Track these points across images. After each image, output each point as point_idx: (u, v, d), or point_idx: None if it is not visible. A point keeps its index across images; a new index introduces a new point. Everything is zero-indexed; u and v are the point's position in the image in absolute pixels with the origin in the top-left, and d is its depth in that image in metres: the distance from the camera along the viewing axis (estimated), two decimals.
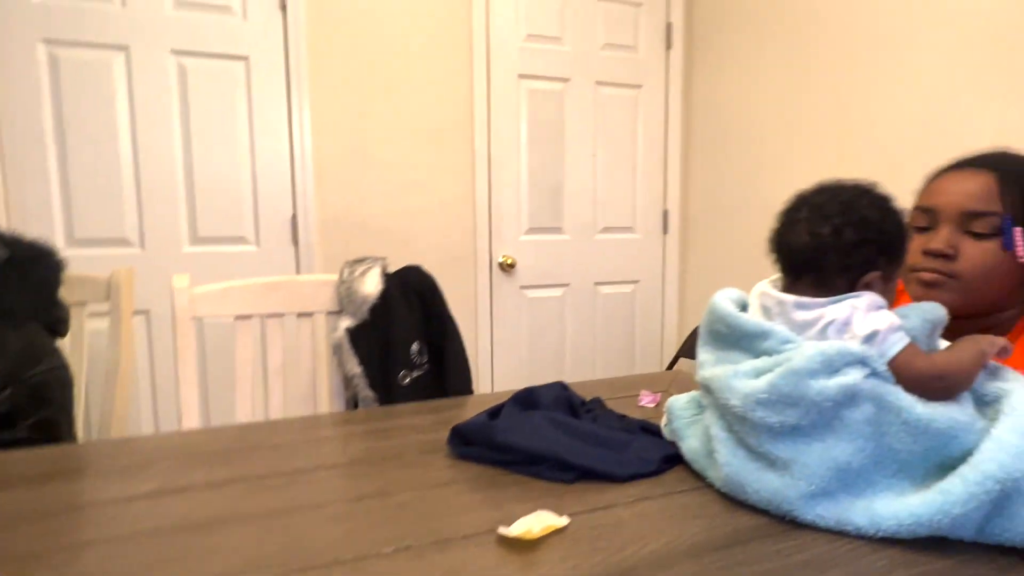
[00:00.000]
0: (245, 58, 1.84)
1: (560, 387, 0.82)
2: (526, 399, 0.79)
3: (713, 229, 2.32)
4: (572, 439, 0.70)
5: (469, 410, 0.88)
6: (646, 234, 2.47)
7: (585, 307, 2.40)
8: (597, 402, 0.87)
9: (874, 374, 0.55)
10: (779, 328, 0.60)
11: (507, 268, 2.24)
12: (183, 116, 1.79)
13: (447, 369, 1.07)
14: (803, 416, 0.55)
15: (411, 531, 0.56)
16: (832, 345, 0.55)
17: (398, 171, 2.06)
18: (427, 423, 0.89)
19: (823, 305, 0.59)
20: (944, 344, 0.62)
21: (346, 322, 1.05)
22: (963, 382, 0.55)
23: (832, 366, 0.55)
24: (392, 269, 1.15)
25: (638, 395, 1.02)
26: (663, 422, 0.76)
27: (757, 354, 0.61)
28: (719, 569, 0.49)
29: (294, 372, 1.09)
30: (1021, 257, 0.70)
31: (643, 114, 2.40)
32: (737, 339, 0.63)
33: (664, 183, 2.47)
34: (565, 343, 2.38)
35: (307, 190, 1.91)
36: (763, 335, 0.60)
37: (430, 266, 2.15)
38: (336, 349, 1.05)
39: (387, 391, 1.06)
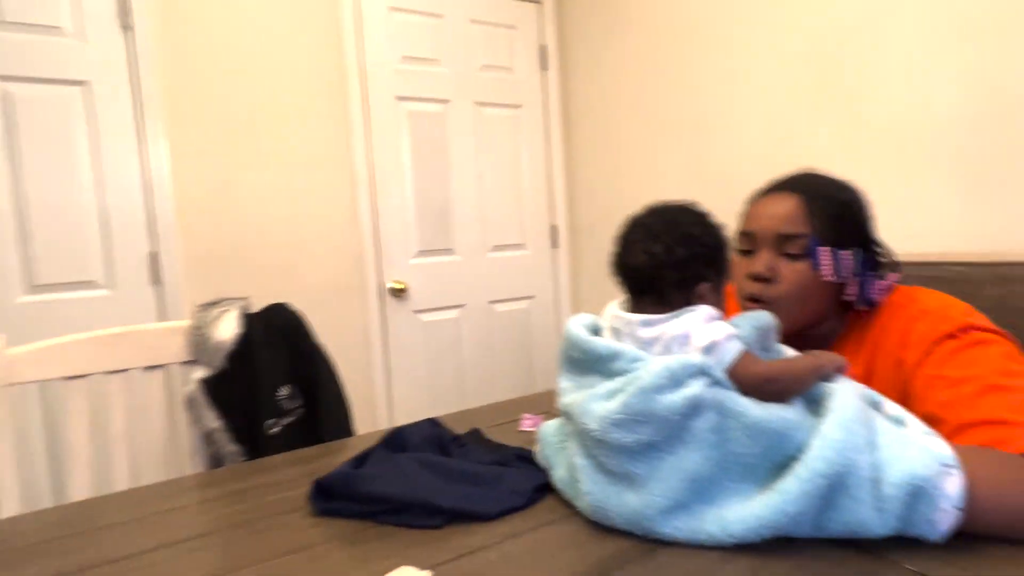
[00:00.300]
0: (83, 83, 1.66)
1: (430, 424, 0.79)
2: (394, 441, 0.75)
3: (601, 240, 2.40)
4: (441, 480, 0.67)
5: (343, 455, 0.82)
6: (536, 250, 2.50)
7: (481, 327, 2.39)
8: (473, 434, 0.84)
9: (715, 383, 0.57)
10: (628, 348, 0.61)
11: (399, 293, 2.18)
12: (9, 148, 1.58)
13: (321, 412, 1.00)
14: (656, 432, 0.56)
15: None
16: (676, 359, 0.57)
17: (272, 200, 1.94)
18: (293, 476, 0.82)
19: (665, 321, 0.61)
20: (789, 351, 0.66)
21: (199, 372, 0.95)
22: (795, 386, 0.58)
23: (677, 379, 0.56)
24: (271, 303, 1.06)
25: (519, 419, 1.01)
26: (536, 448, 0.75)
27: (611, 376, 0.61)
28: None
29: (145, 434, 0.98)
30: (826, 276, 0.74)
31: (525, 133, 2.45)
32: (592, 363, 0.63)
33: (550, 199, 2.53)
34: (464, 365, 2.35)
35: (167, 224, 1.75)
36: (614, 356, 0.61)
37: (316, 298, 2.07)
38: (190, 404, 0.95)
39: (255, 443, 0.97)
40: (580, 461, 0.61)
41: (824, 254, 0.74)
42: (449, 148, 2.27)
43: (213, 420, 0.95)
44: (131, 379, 0.99)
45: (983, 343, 0.68)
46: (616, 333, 0.65)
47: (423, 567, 0.55)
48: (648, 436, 0.56)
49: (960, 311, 0.72)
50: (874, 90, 1.43)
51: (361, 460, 0.72)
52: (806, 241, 0.75)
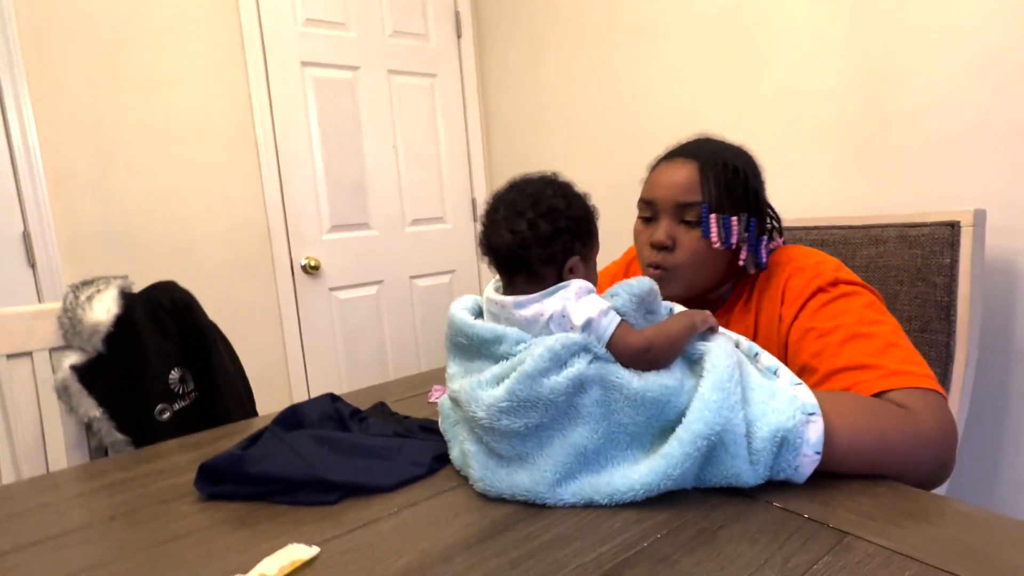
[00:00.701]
0: None
1: (328, 399, 0.77)
2: (289, 419, 0.72)
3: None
4: (337, 455, 0.66)
5: (241, 438, 0.78)
6: (456, 223, 2.48)
7: (402, 303, 2.35)
8: (377, 408, 0.83)
9: (597, 358, 0.57)
10: (511, 331, 0.60)
11: (311, 271, 2.09)
12: None
13: (217, 394, 0.94)
14: (543, 415, 0.56)
15: None
16: (557, 339, 0.57)
17: (164, 173, 1.79)
18: (184, 463, 0.77)
19: (539, 300, 0.60)
20: (678, 308, 0.67)
21: (72, 358, 0.87)
22: (670, 351, 0.59)
23: (560, 359, 0.56)
24: (155, 282, 0.98)
25: (430, 391, 1.00)
26: (439, 419, 0.74)
27: (496, 359, 0.60)
28: (468, 568, 0.48)
29: (15, 428, 0.89)
30: (715, 244, 0.77)
31: (441, 103, 2.39)
32: (477, 347, 0.62)
33: (469, 171, 2.49)
34: (384, 342, 2.31)
35: (40, 201, 1.58)
36: (498, 340, 0.60)
37: (220, 276, 1.95)
38: (62, 392, 0.87)
39: (144, 431, 0.90)
40: (470, 447, 0.61)
41: (713, 222, 0.77)
42: (361, 118, 2.18)
43: (93, 408, 0.87)
44: None
45: (848, 295, 0.73)
46: (494, 317, 0.63)
47: (313, 543, 0.53)
48: (536, 419, 0.56)
49: (831, 267, 0.77)
50: (768, 65, 1.49)
51: (252, 441, 0.69)
52: (700, 208, 0.77)
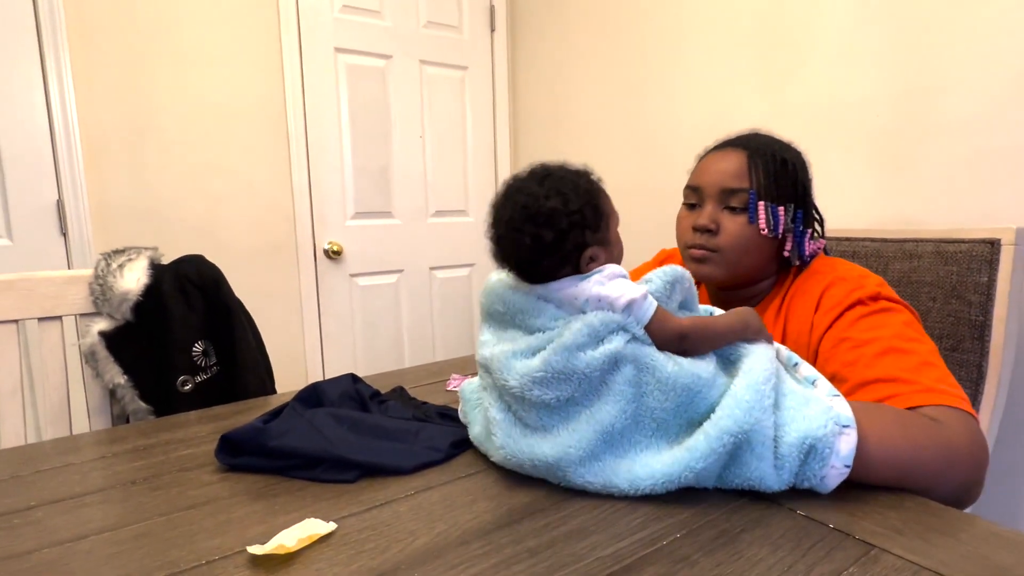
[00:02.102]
0: None
1: (350, 380, 0.77)
2: (310, 396, 0.73)
3: None
4: (356, 435, 0.66)
5: (259, 413, 0.79)
6: (479, 217, 2.47)
7: (421, 293, 2.35)
8: (396, 391, 0.83)
9: (634, 339, 0.58)
10: (550, 305, 0.61)
11: (334, 256, 2.11)
12: None
13: (239, 369, 0.95)
14: (576, 388, 0.56)
15: (139, 567, 0.48)
16: (596, 316, 0.57)
17: (195, 151, 1.82)
18: (204, 433, 0.78)
19: (574, 284, 0.60)
20: (717, 311, 0.67)
21: (101, 324, 0.88)
22: (707, 342, 0.60)
23: (598, 336, 0.57)
24: (185, 255, 0.99)
25: (448, 380, 1.00)
26: (460, 406, 0.74)
27: (532, 331, 0.61)
28: (484, 554, 0.48)
29: (40, 390, 0.91)
30: (763, 230, 0.77)
31: (470, 96, 2.39)
32: (513, 316, 0.62)
33: (495, 166, 2.49)
34: (402, 331, 2.32)
35: (75, 171, 1.61)
36: (535, 311, 0.61)
37: (243, 256, 1.97)
38: (89, 357, 0.88)
39: (166, 401, 0.92)
40: (496, 415, 0.61)
41: (761, 208, 0.76)
42: (391, 106, 2.19)
43: (118, 375, 0.89)
44: (26, 331, 0.91)
45: (888, 310, 0.72)
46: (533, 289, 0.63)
47: (330, 519, 0.54)
48: (569, 392, 0.56)
49: (874, 281, 0.75)
50: (803, 70, 1.47)
51: (273, 415, 0.69)
52: (747, 195, 0.76)
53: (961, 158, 1.21)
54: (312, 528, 0.51)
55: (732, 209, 0.79)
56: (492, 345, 0.63)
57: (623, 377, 0.57)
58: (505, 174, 2.50)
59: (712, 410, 0.55)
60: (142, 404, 0.90)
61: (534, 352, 0.59)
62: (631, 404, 0.57)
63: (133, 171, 1.72)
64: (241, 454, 0.65)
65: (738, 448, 0.54)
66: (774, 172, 0.77)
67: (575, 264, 0.61)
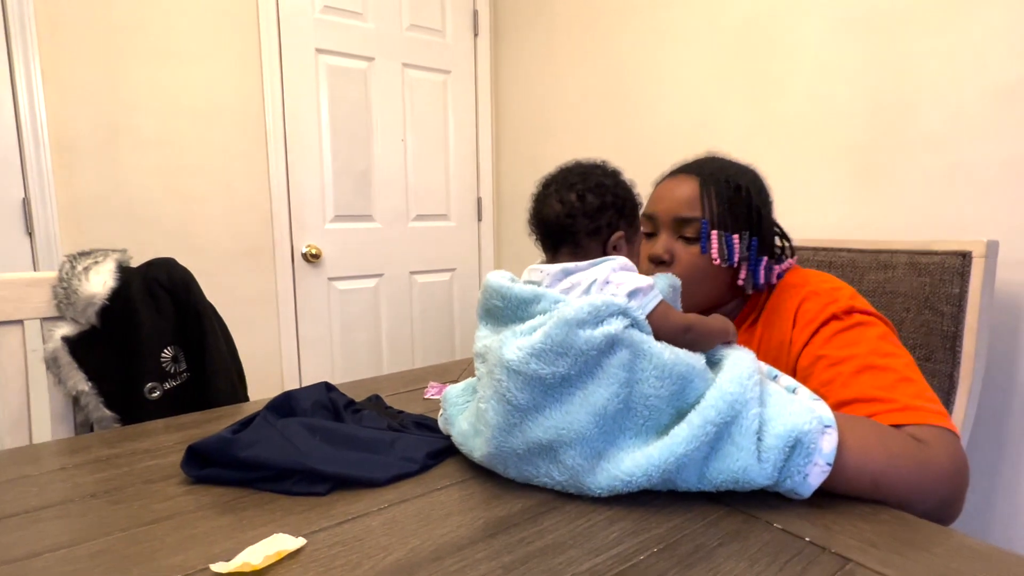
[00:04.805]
0: None
1: (323, 388, 0.75)
2: (282, 405, 0.71)
3: (525, 216, 2.39)
4: (329, 446, 0.64)
5: (229, 421, 0.77)
6: (461, 222, 2.46)
7: (401, 297, 2.33)
8: (372, 400, 0.81)
9: (633, 325, 0.58)
10: (550, 291, 0.61)
11: (312, 259, 2.08)
12: None
13: (209, 375, 0.93)
14: (572, 366, 0.56)
15: None
16: (599, 297, 0.58)
17: (171, 150, 1.78)
18: (171, 443, 0.76)
19: (584, 269, 0.62)
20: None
21: (64, 329, 0.85)
22: (706, 338, 0.62)
23: (599, 316, 0.57)
24: (154, 257, 0.96)
25: (426, 387, 0.98)
26: (440, 413, 0.73)
27: (533, 316, 0.61)
28: (458, 570, 0.47)
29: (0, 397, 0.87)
30: (715, 260, 0.76)
31: (453, 101, 2.38)
32: (513, 309, 0.62)
33: (477, 171, 2.48)
34: (381, 336, 2.29)
35: (43, 168, 1.56)
36: (536, 299, 0.61)
37: (218, 258, 1.93)
38: (51, 363, 0.85)
39: (133, 409, 0.88)
40: (487, 404, 0.59)
41: (714, 238, 0.76)
42: (372, 109, 2.17)
43: (82, 382, 0.86)
44: None
45: (863, 324, 0.72)
46: (535, 285, 0.64)
47: (300, 534, 0.52)
48: (564, 369, 0.56)
49: (846, 294, 0.75)
50: (784, 83, 1.48)
51: (243, 425, 0.67)
52: (700, 224, 0.76)
53: (935, 171, 1.23)
54: (279, 544, 0.49)
55: (686, 239, 0.78)
56: (490, 338, 0.62)
57: (618, 360, 0.56)
58: (487, 179, 2.50)
59: (699, 401, 0.56)
60: (107, 412, 0.87)
61: (534, 329, 0.59)
62: (624, 388, 0.57)
63: (106, 170, 1.68)
64: (208, 465, 0.63)
65: (719, 439, 0.54)
66: (728, 199, 0.76)
67: (602, 242, 0.65)
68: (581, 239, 0.65)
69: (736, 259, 0.76)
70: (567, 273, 0.63)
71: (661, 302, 0.61)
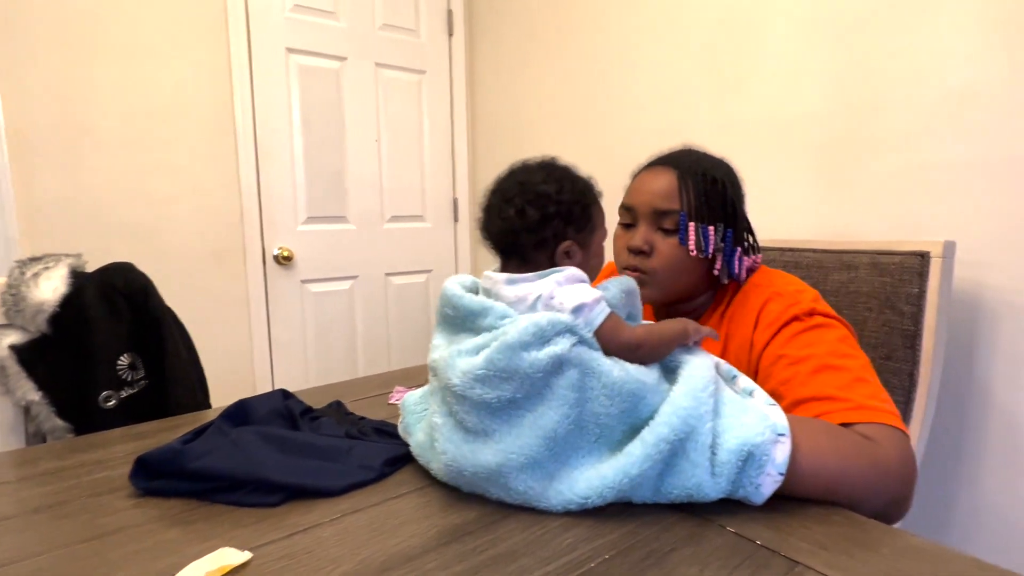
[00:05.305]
0: None
1: (280, 395, 0.74)
2: (236, 414, 0.69)
3: None
4: (283, 455, 0.63)
5: (188, 429, 0.75)
6: (436, 222, 2.45)
7: (376, 299, 2.31)
8: (332, 407, 0.80)
9: (581, 342, 0.57)
10: (497, 305, 0.60)
11: (284, 261, 2.05)
12: None
13: (168, 383, 0.91)
14: (518, 389, 0.55)
15: None
16: (544, 316, 0.56)
17: (136, 151, 1.74)
18: (124, 454, 0.74)
19: (529, 281, 0.60)
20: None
21: (12, 337, 0.82)
22: (659, 351, 0.60)
23: (544, 336, 0.55)
24: (110, 262, 0.93)
25: (391, 392, 0.97)
26: (399, 419, 0.72)
27: (479, 332, 0.60)
28: None
29: None
30: (692, 252, 0.77)
31: (427, 101, 2.36)
32: (463, 319, 0.62)
33: (452, 171, 2.47)
34: (356, 338, 2.27)
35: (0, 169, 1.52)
36: (483, 312, 0.60)
37: (187, 261, 1.89)
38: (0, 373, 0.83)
39: (88, 418, 0.86)
40: (439, 420, 0.59)
41: (691, 230, 0.76)
42: (344, 110, 2.15)
43: (31, 392, 0.83)
44: None
45: (823, 326, 0.73)
46: (486, 293, 0.64)
47: (249, 547, 0.51)
48: (510, 393, 0.55)
49: (809, 297, 0.76)
50: (750, 84, 1.50)
51: (196, 434, 0.66)
52: (678, 217, 0.77)
53: (896, 172, 1.25)
54: (224, 559, 0.48)
55: (664, 230, 0.79)
56: (441, 348, 0.62)
57: (567, 381, 0.56)
58: (463, 179, 2.48)
59: (653, 416, 0.55)
60: (59, 422, 0.85)
61: (479, 350, 0.57)
62: (574, 409, 0.56)
63: (68, 171, 1.64)
64: (158, 477, 0.61)
65: (674, 455, 0.54)
66: (704, 192, 0.77)
67: (551, 253, 0.62)
68: (527, 252, 0.62)
69: (711, 250, 0.77)
70: (512, 283, 0.61)
71: (609, 316, 0.59)
